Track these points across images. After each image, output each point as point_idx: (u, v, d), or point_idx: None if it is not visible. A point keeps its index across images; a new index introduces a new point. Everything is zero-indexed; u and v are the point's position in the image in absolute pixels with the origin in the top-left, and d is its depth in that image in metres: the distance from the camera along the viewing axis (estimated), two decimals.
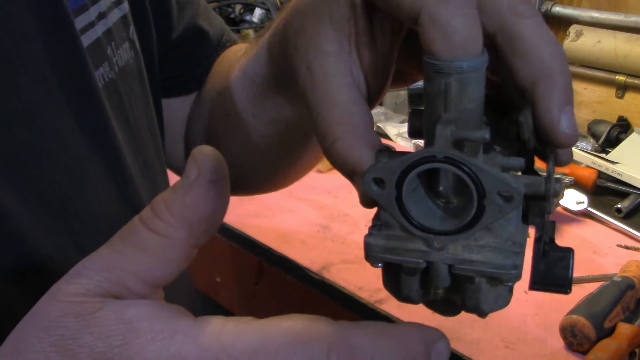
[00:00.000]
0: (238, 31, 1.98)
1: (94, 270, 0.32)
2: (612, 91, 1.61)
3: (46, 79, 0.44)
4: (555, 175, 0.34)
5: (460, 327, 0.96)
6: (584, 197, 1.28)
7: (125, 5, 0.57)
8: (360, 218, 1.26)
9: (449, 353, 0.33)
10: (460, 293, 0.35)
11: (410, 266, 0.34)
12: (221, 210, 0.33)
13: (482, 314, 0.36)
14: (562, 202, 1.26)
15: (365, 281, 1.07)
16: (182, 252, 0.33)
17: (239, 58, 0.59)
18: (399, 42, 0.40)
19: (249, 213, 1.28)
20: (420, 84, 0.38)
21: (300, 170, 0.69)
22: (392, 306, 1.01)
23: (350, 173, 0.37)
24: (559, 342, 0.93)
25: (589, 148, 1.48)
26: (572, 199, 1.28)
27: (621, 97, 1.59)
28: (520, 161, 0.34)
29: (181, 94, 0.70)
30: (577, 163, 1.38)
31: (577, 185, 1.31)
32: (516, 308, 1.01)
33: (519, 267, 0.33)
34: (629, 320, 0.96)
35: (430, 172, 0.34)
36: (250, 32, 1.99)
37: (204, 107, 0.68)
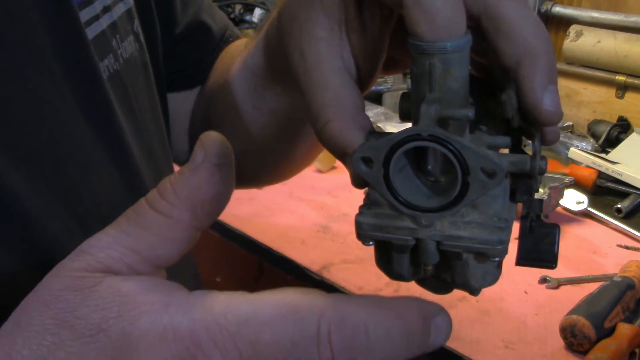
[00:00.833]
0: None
1: (97, 248, 0.33)
2: (612, 91, 1.61)
3: (51, 69, 0.45)
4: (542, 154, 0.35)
5: (460, 327, 0.96)
6: (584, 197, 1.28)
7: (130, 0, 0.58)
8: None
9: (450, 328, 0.32)
10: (450, 270, 0.36)
11: (399, 243, 0.35)
12: (225, 194, 0.34)
13: (472, 290, 0.36)
14: (562, 202, 1.26)
15: (365, 281, 1.07)
16: (185, 233, 0.34)
17: (240, 51, 0.60)
18: (390, 28, 0.41)
19: (249, 213, 1.28)
20: None
21: (301, 162, 0.70)
22: None
23: (341, 154, 0.37)
24: (559, 342, 0.93)
25: (589, 148, 1.48)
26: (572, 199, 1.28)
27: (621, 97, 1.60)
28: (506, 140, 0.36)
29: (185, 89, 0.72)
30: (577, 163, 1.38)
31: (577, 185, 1.31)
32: (516, 308, 1.01)
33: (504, 243, 0.34)
34: (629, 320, 0.96)
35: (418, 151, 0.35)
36: (250, 32, 1.99)
37: (206, 100, 0.69)
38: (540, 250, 0.38)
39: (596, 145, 1.51)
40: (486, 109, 0.38)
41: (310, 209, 1.32)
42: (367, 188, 0.36)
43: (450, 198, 0.33)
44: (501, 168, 0.32)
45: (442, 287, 0.38)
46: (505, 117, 0.36)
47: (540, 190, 1.21)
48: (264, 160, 0.68)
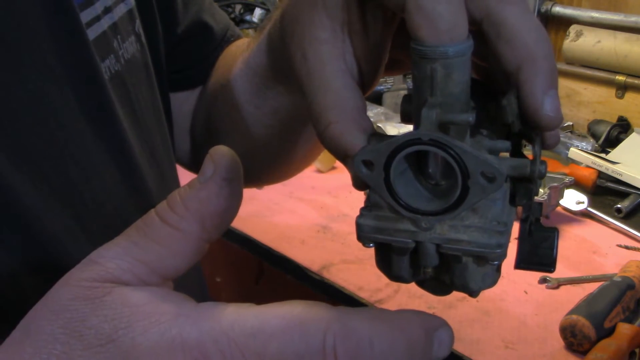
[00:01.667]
0: None
1: (107, 258, 0.33)
2: (612, 91, 1.61)
3: (52, 70, 0.45)
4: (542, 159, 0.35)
5: (460, 327, 0.96)
6: (584, 197, 1.28)
7: (131, 0, 0.59)
8: None
9: (452, 342, 0.33)
10: (449, 272, 0.36)
11: (399, 246, 0.35)
12: (234, 208, 0.35)
13: (471, 292, 0.37)
14: (562, 202, 1.26)
15: (365, 281, 1.07)
16: (194, 246, 0.34)
17: (242, 51, 0.60)
18: (392, 30, 0.41)
19: (249, 213, 1.28)
20: None
21: (302, 161, 0.71)
22: (392, 306, 1.01)
23: (343, 156, 0.38)
24: (559, 342, 0.93)
25: (589, 148, 1.48)
26: (572, 199, 1.28)
27: (621, 97, 1.60)
28: (506, 144, 0.36)
29: (186, 89, 0.72)
30: (577, 163, 1.38)
31: (577, 185, 1.31)
32: (516, 308, 1.01)
33: (503, 246, 0.34)
34: (629, 320, 0.96)
35: (419, 155, 0.35)
36: (250, 32, 1.99)
37: (208, 100, 0.69)
38: (539, 254, 0.38)
39: (596, 145, 1.51)
40: (487, 113, 0.38)
41: (310, 209, 1.32)
42: (367, 190, 0.36)
43: (451, 201, 0.33)
44: (501, 172, 0.32)
45: (441, 289, 0.38)
46: (506, 122, 0.36)
47: (540, 190, 1.21)
48: (265, 160, 0.68)
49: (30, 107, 0.44)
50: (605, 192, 1.34)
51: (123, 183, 0.52)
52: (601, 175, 1.35)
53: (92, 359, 0.30)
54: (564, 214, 1.29)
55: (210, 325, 0.31)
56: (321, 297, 1.10)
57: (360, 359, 0.31)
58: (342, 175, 1.44)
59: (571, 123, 1.64)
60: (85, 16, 0.50)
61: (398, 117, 1.66)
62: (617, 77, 1.57)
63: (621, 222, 1.24)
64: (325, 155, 1.41)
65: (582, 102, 1.66)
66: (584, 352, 0.91)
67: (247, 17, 2.01)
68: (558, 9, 1.66)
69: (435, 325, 0.33)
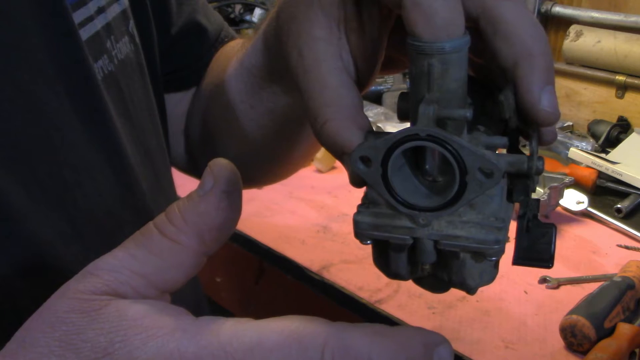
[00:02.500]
0: (238, 31, 1.98)
1: (104, 271, 0.33)
2: (612, 91, 1.61)
3: (45, 70, 0.45)
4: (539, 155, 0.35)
5: (460, 327, 0.96)
6: (584, 197, 1.28)
7: (125, 0, 0.59)
8: None
9: (452, 357, 0.33)
10: (447, 269, 0.36)
11: (397, 242, 0.35)
12: (233, 221, 0.35)
13: (469, 289, 0.37)
14: (562, 202, 1.26)
15: (365, 281, 1.07)
16: (192, 259, 0.34)
17: (236, 52, 0.60)
18: (389, 28, 0.41)
19: (249, 213, 1.28)
20: None
21: (299, 160, 0.71)
22: (392, 306, 1.01)
23: (340, 153, 0.38)
24: (559, 342, 0.93)
25: (589, 148, 1.48)
26: (572, 199, 1.28)
27: (621, 97, 1.60)
28: (503, 140, 0.36)
29: (181, 89, 0.71)
30: (577, 163, 1.38)
31: (577, 185, 1.31)
32: (516, 308, 1.01)
33: (501, 242, 0.34)
34: (629, 320, 0.96)
35: (417, 151, 0.35)
36: (250, 32, 1.99)
37: (202, 101, 0.69)
38: (536, 249, 0.38)
39: (596, 145, 1.51)
40: (484, 109, 0.38)
41: (310, 209, 1.32)
42: (365, 187, 0.36)
43: (448, 198, 0.33)
44: (499, 168, 0.32)
45: (440, 286, 0.38)
46: (503, 118, 0.36)
47: (540, 190, 1.21)
48: (261, 160, 0.67)
49: (22, 108, 0.43)
50: (605, 192, 1.34)
51: (117, 184, 0.52)
52: (601, 175, 1.35)
53: None
54: (563, 214, 1.28)
55: (208, 340, 0.31)
56: (321, 297, 1.10)
57: None
58: (342, 175, 1.43)
59: (571, 123, 1.64)
60: (78, 16, 0.49)
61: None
62: (617, 77, 1.57)
63: (621, 222, 1.24)
64: (325, 155, 1.41)
65: (582, 102, 1.66)
66: (584, 352, 0.90)
67: (247, 17, 2.01)
68: (558, 9, 1.66)
69: (436, 341, 0.32)
